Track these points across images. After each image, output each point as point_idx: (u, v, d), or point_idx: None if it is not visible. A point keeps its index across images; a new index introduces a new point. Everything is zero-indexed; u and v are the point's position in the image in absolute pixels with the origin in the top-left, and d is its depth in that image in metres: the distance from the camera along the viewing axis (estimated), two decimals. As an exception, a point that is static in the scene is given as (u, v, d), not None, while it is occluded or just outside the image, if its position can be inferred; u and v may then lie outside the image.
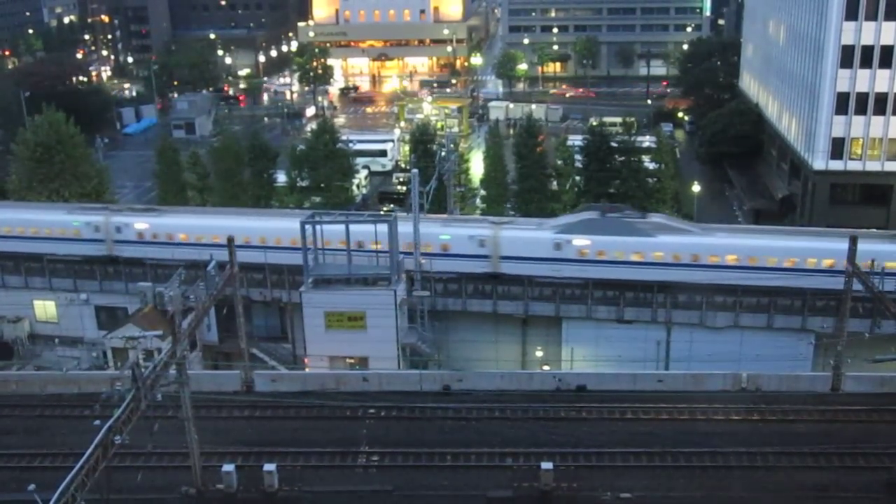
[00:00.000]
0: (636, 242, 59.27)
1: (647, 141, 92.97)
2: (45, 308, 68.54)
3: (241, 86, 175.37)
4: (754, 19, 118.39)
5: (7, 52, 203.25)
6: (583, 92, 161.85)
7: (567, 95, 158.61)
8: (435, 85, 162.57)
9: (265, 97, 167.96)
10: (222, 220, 66.67)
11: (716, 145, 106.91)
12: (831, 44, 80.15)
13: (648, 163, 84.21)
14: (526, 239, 59.53)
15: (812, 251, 57.57)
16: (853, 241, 41.91)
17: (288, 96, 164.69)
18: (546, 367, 59.12)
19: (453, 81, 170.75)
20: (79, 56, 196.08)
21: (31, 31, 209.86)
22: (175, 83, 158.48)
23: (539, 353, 62.34)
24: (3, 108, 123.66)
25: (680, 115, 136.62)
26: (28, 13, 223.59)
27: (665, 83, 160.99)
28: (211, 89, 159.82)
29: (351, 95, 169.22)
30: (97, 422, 30.42)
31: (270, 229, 63.67)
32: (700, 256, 58.54)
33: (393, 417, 43.25)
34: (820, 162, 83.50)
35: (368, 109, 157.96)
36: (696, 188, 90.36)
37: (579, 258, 58.78)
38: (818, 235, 61.96)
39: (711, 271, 57.67)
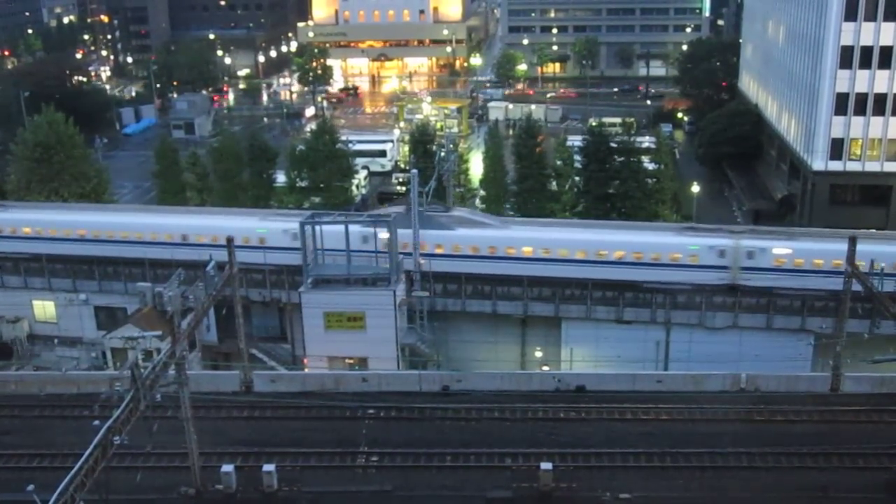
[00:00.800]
0: (436, 235, 61.59)
1: (646, 141, 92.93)
2: (44, 308, 68.50)
3: (241, 86, 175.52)
4: (753, 20, 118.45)
5: (6, 53, 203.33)
6: (563, 92, 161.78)
7: (548, 96, 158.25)
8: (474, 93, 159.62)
9: (265, 97, 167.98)
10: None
11: (715, 146, 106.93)
12: (830, 44, 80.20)
13: (648, 163, 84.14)
14: (335, 232, 58.51)
15: (604, 244, 60.36)
16: (852, 241, 41.91)
17: (285, 96, 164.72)
18: (545, 368, 59.12)
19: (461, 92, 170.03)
20: (78, 56, 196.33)
21: (30, 31, 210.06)
22: (174, 83, 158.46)
23: (538, 354, 62.33)
24: (3, 108, 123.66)
25: (679, 115, 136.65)
26: (27, 13, 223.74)
27: (640, 87, 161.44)
28: (210, 89, 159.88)
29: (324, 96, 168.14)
30: (96, 422, 30.42)
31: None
32: (497, 249, 61.61)
33: (392, 418, 43.24)
34: (819, 162, 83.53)
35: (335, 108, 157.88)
36: (695, 189, 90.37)
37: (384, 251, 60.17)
38: (614, 228, 66.11)
39: (506, 263, 60.98)
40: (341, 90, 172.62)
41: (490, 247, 61.75)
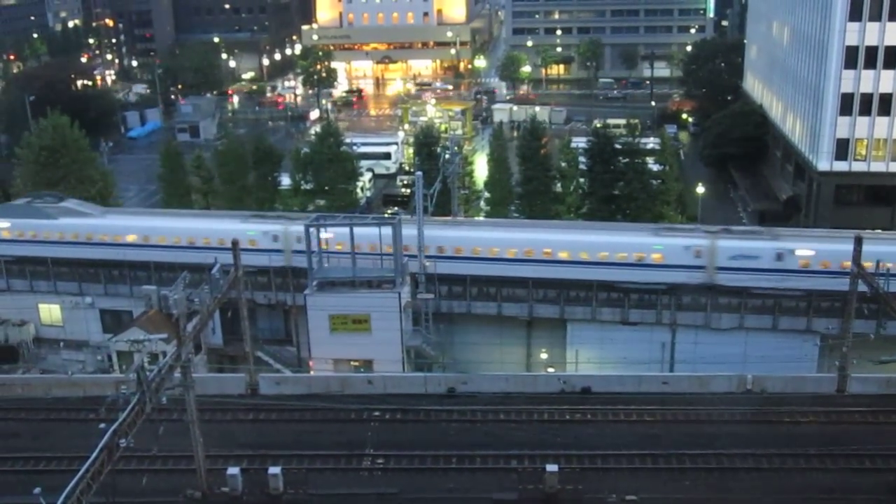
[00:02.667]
0: (38, 224, 68.01)
1: (650, 143, 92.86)
2: (49, 312, 68.65)
3: (249, 88, 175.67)
4: (758, 21, 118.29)
5: (12, 57, 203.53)
6: (525, 92, 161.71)
7: (530, 96, 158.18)
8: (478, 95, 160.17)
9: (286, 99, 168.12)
10: None
11: (720, 147, 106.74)
12: (835, 45, 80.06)
13: (652, 164, 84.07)
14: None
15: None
16: (858, 241, 41.82)
17: (290, 98, 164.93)
18: (551, 370, 59.07)
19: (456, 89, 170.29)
20: (83, 60, 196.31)
21: (35, 35, 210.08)
22: (179, 87, 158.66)
23: (544, 356, 62.30)
24: (9, 112, 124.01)
25: (684, 116, 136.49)
26: (33, 18, 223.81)
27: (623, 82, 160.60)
28: (215, 93, 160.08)
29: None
30: (102, 425, 30.43)
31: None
32: (93, 236, 67.54)
33: (398, 420, 43.25)
34: (824, 163, 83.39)
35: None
36: (700, 190, 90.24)
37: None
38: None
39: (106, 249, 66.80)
40: (346, 93, 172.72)
41: (88, 234, 67.60)
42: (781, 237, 59.90)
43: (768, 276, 56.66)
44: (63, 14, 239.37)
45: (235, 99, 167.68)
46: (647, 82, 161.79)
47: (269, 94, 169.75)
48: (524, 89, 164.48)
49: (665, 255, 59.20)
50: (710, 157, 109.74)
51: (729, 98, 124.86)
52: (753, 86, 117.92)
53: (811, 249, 57.29)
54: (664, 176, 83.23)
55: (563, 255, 60.32)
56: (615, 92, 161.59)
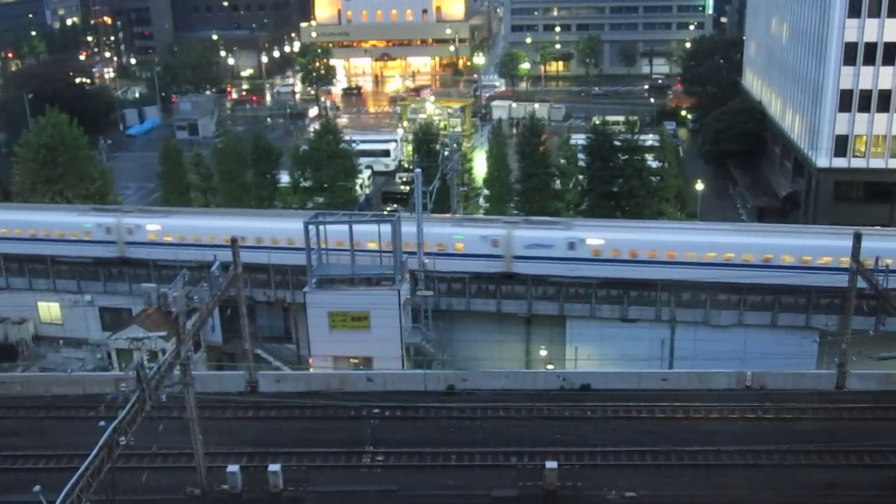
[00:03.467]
0: None
1: (650, 139, 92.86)
2: (49, 309, 68.65)
3: (245, 86, 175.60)
4: (757, 17, 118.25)
5: (10, 54, 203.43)
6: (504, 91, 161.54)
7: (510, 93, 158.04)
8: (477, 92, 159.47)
9: (268, 98, 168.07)
10: None
11: (719, 143, 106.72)
12: (834, 41, 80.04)
13: (652, 161, 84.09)
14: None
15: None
16: (857, 238, 41.83)
17: (272, 95, 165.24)
18: (550, 367, 59.09)
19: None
20: (82, 58, 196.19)
21: (34, 33, 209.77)
22: (178, 84, 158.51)
23: (543, 353, 62.34)
24: (7, 110, 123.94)
25: (683, 113, 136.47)
26: (31, 15, 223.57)
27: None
28: (214, 90, 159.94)
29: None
30: (102, 423, 30.43)
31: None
32: None
33: (397, 417, 43.25)
34: (823, 160, 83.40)
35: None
36: (699, 186, 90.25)
37: None
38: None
39: None
40: (345, 90, 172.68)
41: None
42: (574, 227, 61.98)
43: (561, 264, 59.14)
44: (61, 12, 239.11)
45: (234, 96, 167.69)
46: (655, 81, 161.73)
47: (244, 92, 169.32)
48: (503, 88, 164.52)
49: (466, 245, 60.74)
50: (710, 154, 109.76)
51: (728, 95, 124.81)
52: (752, 82, 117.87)
53: (602, 238, 59.58)
54: (663, 173, 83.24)
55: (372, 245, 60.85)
56: (596, 89, 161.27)
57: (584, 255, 59.52)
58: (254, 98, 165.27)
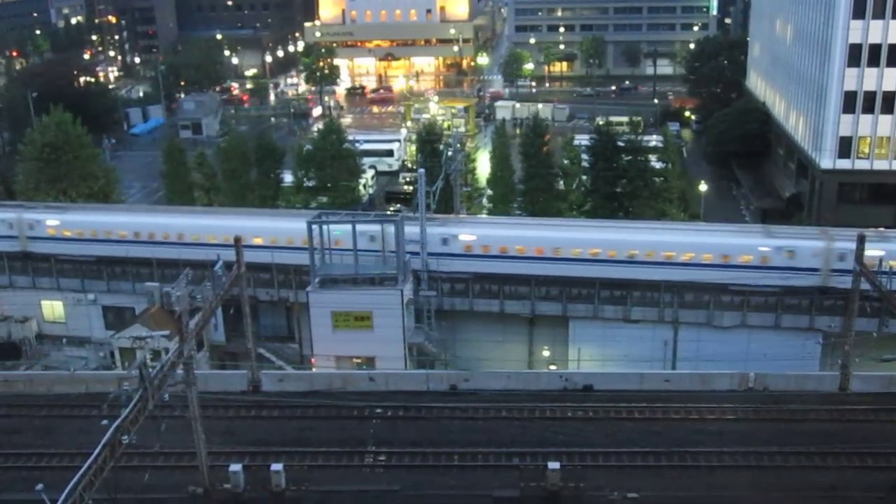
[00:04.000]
0: None
1: (653, 140, 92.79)
2: (52, 308, 68.75)
3: (248, 86, 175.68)
4: (761, 18, 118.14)
5: (15, 53, 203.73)
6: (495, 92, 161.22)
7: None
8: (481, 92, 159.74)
9: (272, 97, 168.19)
10: None
11: (723, 144, 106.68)
12: (839, 42, 79.94)
13: (655, 162, 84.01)
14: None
15: None
16: (861, 240, 41.79)
17: (293, 94, 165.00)
18: (553, 367, 59.11)
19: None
20: (86, 56, 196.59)
21: (38, 31, 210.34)
22: (182, 83, 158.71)
23: (546, 353, 62.32)
24: (11, 108, 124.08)
25: (687, 114, 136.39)
26: (36, 14, 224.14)
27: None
28: (217, 89, 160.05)
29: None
30: (105, 421, 30.47)
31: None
32: None
33: (400, 417, 43.25)
34: (827, 161, 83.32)
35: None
36: (703, 187, 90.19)
37: None
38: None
39: None
40: (349, 90, 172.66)
41: None
42: (448, 223, 63.44)
43: (436, 259, 60.79)
44: (66, 11, 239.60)
45: (224, 96, 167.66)
46: (641, 87, 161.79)
47: (234, 91, 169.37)
48: (495, 89, 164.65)
49: (344, 242, 60.98)
50: (713, 155, 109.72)
51: (732, 96, 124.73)
52: (756, 83, 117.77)
53: (473, 234, 61.53)
54: (667, 174, 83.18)
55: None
56: (588, 90, 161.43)
57: (456, 250, 61.39)
58: (244, 97, 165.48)
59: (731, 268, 57.88)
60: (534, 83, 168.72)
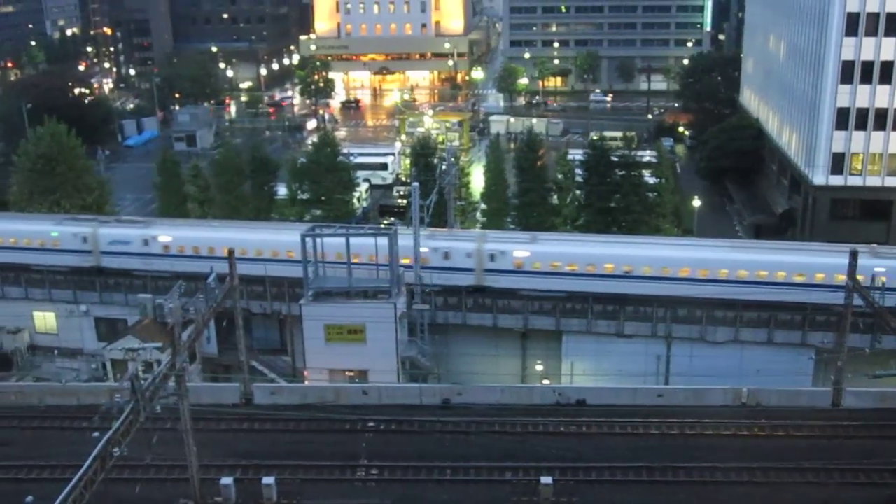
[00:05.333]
0: None
1: (647, 155, 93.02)
2: (44, 319, 68.54)
3: (244, 99, 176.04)
4: (755, 35, 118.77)
5: (10, 64, 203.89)
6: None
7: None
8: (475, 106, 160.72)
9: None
10: None
11: (716, 160, 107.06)
12: (831, 59, 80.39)
13: (649, 177, 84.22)
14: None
15: None
16: (853, 256, 41.91)
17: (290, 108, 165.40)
18: (546, 381, 59.06)
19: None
20: (81, 68, 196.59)
21: (33, 43, 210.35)
22: (177, 95, 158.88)
23: (539, 367, 62.26)
24: (6, 119, 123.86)
25: (680, 129, 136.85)
26: (31, 25, 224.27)
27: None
28: (213, 102, 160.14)
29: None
30: (96, 434, 30.39)
31: None
32: None
33: (392, 431, 43.17)
34: (820, 177, 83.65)
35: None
36: (696, 203, 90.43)
37: None
38: None
39: None
40: (344, 103, 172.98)
41: None
42: (152, 225, 68.07)
43: (140, 259, 65.36)
44: (61, 22, 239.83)
45: (233, 108, 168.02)
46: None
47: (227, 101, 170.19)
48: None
49: (61, 241, 64.61)
50: (707, 170, 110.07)
51: (725, 111, 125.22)
52: (750, 99, 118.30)
53: (169, 236, 65.73)
54: (660, 189, 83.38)
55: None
56: (552, 104, 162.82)
57: (156, 250, 65.22)
58: (227, 100, 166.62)
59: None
60: (550, 100, 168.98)
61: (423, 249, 59.53)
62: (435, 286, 60.15)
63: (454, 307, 61.42)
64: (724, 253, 61.16)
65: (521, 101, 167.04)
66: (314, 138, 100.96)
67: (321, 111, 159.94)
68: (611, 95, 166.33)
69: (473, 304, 61.41)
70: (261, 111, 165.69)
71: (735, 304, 57.72)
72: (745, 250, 63.38)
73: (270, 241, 64.51)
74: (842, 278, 44.28)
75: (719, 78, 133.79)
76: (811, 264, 58.54)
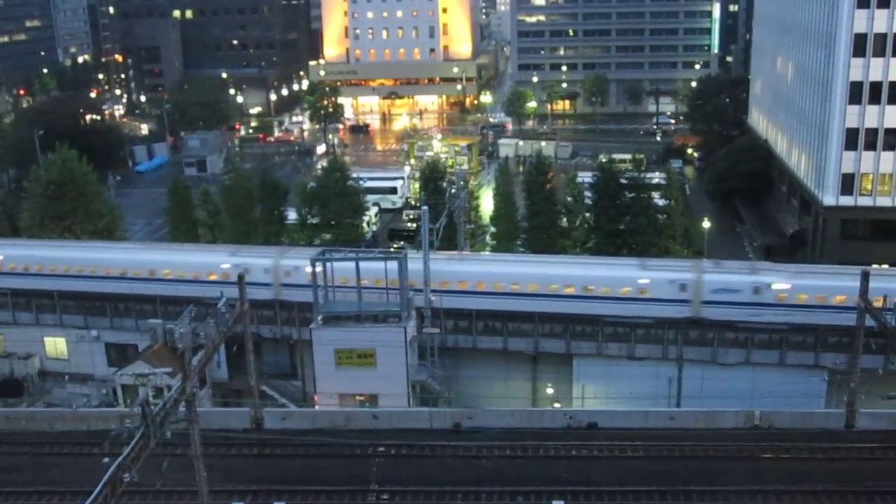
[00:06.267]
0: None
1: (656, 177, 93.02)
2: (55, 345, 68.65)
3: (253, 124, 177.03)
4: (762, 56, 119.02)
5: (22, 91, 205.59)
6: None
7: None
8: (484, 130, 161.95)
9: (276, 135, 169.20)
10: None
11: (725, 181, 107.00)
12: (840, 80, 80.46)
13: (658, 199, 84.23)
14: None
15: None
16: (865, 276, 41.74)
17: (298, 134, 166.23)
18: (557, 405, 58.78)
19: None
20: (92, 95, 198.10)
21: (45, 70, 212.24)
22: (187, 121, 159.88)
23: (550, 391, 61.99)
24: (18, 146, 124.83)
25: (689, 151, 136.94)
26: (43, 53, 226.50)
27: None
28: (224, 127, 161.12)
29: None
30: (106, 459, 30.28)
31: None
32: None
33: (403, 455, 42.99)
34: (830, 198, 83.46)
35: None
36: (706, 224, 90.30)
37: None
38: None
39: None
40: (353, 128, 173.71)
41: None
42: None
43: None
44: (73, 49, 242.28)
45: (242, 134, 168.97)
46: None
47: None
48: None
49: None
50: (716, 192, 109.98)
51: (734, 133, 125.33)
52: (758, 121, 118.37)
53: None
54: (670, 211, 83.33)
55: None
56: (544, 127, 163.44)
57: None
58: (236, 125, 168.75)
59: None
60: (560, 122, 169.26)
61: (224, 266, 64.21)
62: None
63: (464, 330, 61.30)
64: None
65: (530, 124, 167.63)
66: (324, 163, 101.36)
67: (330, 136, 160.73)
68: (674, 119, 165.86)
69: (484, 328, 61.28)
70: (250, 136, 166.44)
71: (749, 327, 57.49)
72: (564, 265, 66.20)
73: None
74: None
75: (727, 99, 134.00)
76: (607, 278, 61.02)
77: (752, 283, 58.59)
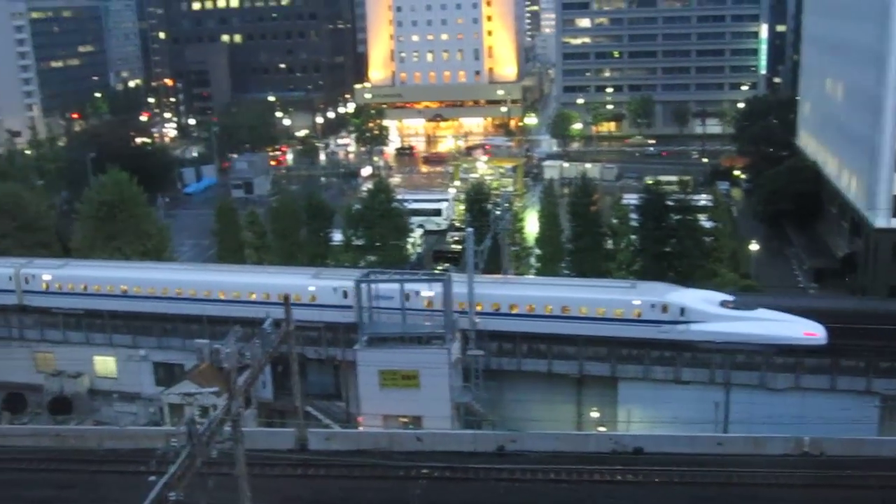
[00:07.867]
0: None
1: (703, 199, 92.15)
2: (104, 364, 69.62)
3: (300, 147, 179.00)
4: (811, 77, 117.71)
5: (76, 115, 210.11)
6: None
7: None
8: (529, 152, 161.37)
9: (322, 157, 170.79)
10: None
11: (774, 203, 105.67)
12: (891, 100, 79.23)
13: (705, 221, 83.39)
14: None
15: None
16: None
17: (343, 156, 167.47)
18: (602, 429, 58.19)
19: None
20: (143, 118, 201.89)
21: (98, 94, 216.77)
22: (235, 144, 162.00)
23: (595, 414, 61.39)
24: (71, 168, 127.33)
25: (736, 173, 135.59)
26: (95, 77, 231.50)
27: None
28: (270, 150, 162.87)
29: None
30: (152, 477, 30.58)
31: None
32: None
33: (447, 478, 42.82)
34: (881, 220, 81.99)
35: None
36: (754, 247, 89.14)
37: None
38: None
39: None
40: (398, 150, 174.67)
41: None
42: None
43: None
44: (125, 74, 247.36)
45: (289, 156, 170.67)
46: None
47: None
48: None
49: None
50: (764, 214, 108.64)
51: (782, 154, 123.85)
52: (807, 142, 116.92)
53: None
54: (717, 233, 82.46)
55: None
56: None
57: None
58: (283, 148, 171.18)
59: None
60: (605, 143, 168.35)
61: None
62: None
63: (509, 353, 61.05)
64: None
65: (575, 146, 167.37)
66: (369, 185, 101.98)
67: (376, 158, 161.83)
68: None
69: (528, 350, 60.98)
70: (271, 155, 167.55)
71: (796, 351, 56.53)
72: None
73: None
74: None
75: (775, 121, 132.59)
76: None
77: None
